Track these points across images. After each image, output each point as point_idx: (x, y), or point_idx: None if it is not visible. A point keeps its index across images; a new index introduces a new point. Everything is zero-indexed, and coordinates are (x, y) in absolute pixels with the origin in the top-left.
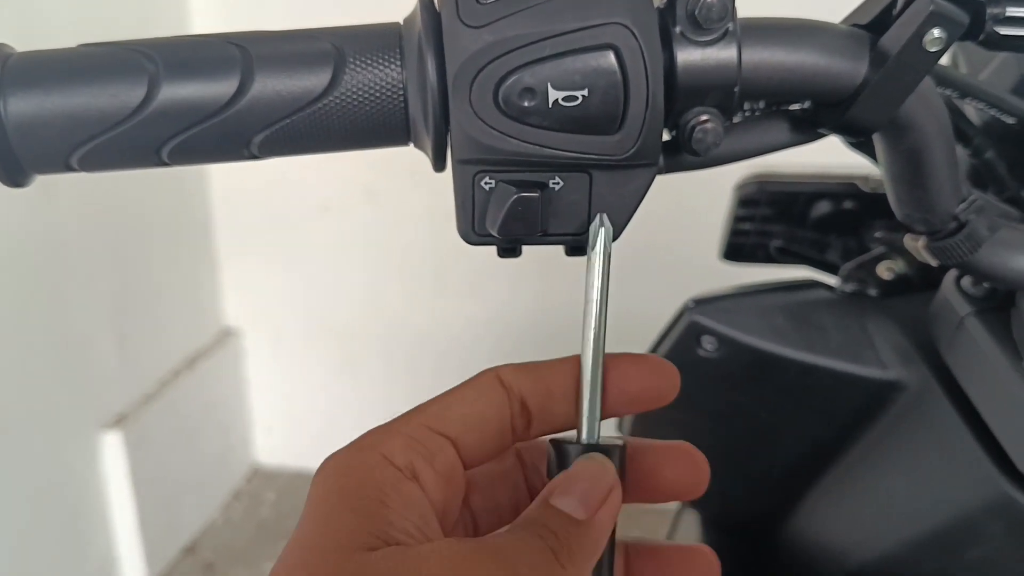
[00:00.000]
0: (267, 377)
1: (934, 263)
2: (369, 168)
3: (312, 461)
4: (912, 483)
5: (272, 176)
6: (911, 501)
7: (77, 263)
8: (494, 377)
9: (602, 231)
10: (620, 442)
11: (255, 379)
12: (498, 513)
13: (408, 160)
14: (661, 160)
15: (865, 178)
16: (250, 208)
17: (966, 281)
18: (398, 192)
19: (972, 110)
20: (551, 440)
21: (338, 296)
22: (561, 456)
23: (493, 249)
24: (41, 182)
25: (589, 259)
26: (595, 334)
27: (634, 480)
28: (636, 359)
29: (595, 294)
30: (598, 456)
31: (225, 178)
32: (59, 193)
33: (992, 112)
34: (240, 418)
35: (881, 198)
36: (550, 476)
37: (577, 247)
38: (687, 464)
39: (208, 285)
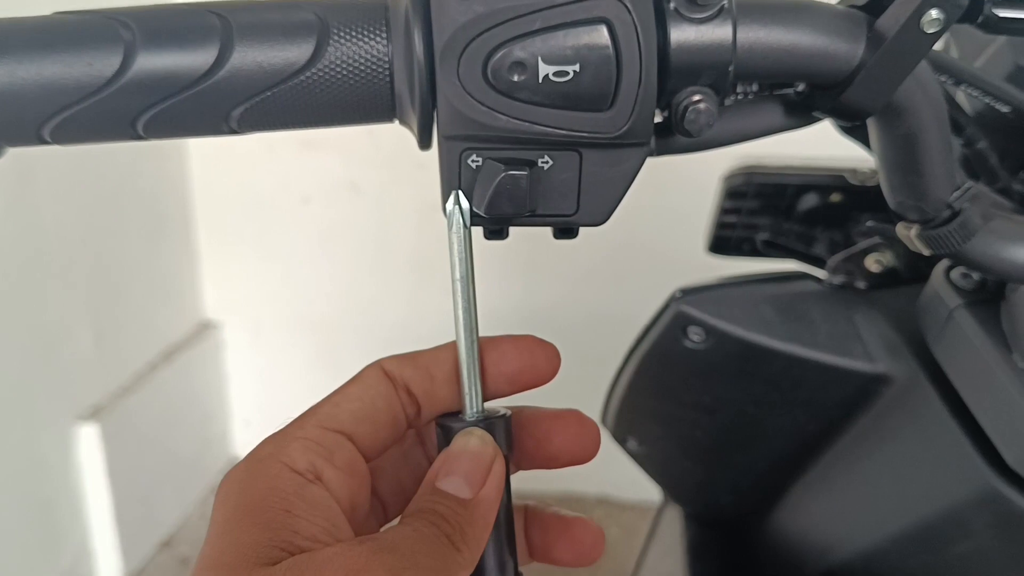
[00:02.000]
0: (246, 370)
1: (926, 252)
2: (351, 160)
3: None
4: (898, 477)
5: (253, 167)
6: (897, 495)
7: (54, 252)
8: (378, 369)
9: (457, 209)
10: (505, 413)
11: (234, 372)
12: (404, 495)
13: (390, 152)
14: (653, 141)
15: (853, 171)
16: (231, 199)
17: (956, 273)
18: (380, 185)
19: (964, 99)
20: (436, 419)
21: (319, 289)
22: (445, 434)
23: (473, 241)
24: (18, 169)
25: (449, 239)
26: (465, 312)
27: (527, 448)
28: (514, 340)
29: (459, 272)
30: (476, 431)
31: (206, 168)
32: (36, 181)
33: (986, 100)
34: (218, 411)
35: (868, 191)
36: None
37: (566, 229)
38: (576, 430)
39: (187, 277)
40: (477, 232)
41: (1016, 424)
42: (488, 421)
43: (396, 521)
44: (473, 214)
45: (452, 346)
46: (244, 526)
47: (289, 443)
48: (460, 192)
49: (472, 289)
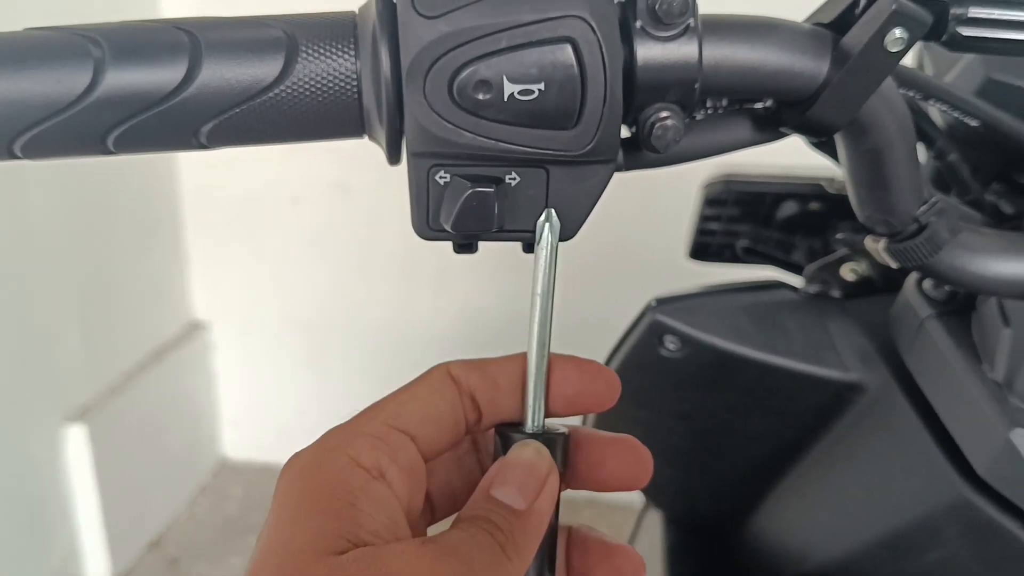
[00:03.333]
0: (235, 371)
1: (894, 265)
2: (339, 162)
3: (279, 455)
4: (871, 485)
5: (242, 168)
6: (870, 503)
7: (44, 253)
8: (445, 373)
9: (547, 227)
10: (563, 431)
11: (223, 372)
12: (453, 497)
13: (378, 154)
14: (620, 157)
15: (831, 179)
16: (220, 200)
17: (927, 284)
18: (368, 186)
19: (936, 112)
20: (496, 427)
21: (307, 290)
22: (503, 443)
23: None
24: (7, 169)
25: (536, 255)
26: (540, 327)
27: (580, 469)
28: (579, 363)
29: (540, 288)
30: (533, 443)
31: (195, 170)
32: (24, 181)
33: (956, 114)
34: (207, 412)
35: (846, 199)
36: (493, 462)
37: (533, 244)
38: (631, 458)
39: (176, 277)
40: (448, 243)
41: (984, 434)
42: (546, 436)
43: (444, 523)
44: (441, 229)
45: (520, 358)
46: (312, 513)
47: (356, 437)
48: (552, 210)
49: (551, 305)
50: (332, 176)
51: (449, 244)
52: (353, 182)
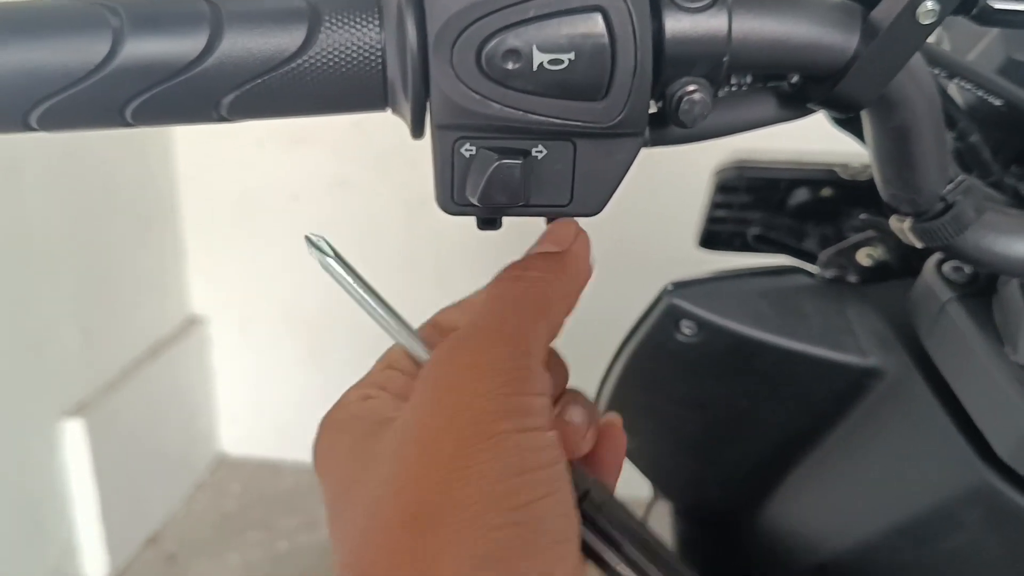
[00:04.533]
0: (233, 366)
1: (919, 245)
2: (339, 157)
3: (277, 452)
4: (890, 471)
5: (241, 163)
6: (888, 489)
7: (41, 247)
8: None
9: (315, 251)
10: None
11: (221, 368)
12: None
13: (379, 149)
14: (647, 132)
15: (844, 165)
16: (218, 195)
17: (948, 267)
18: (368, 181)
19: (956, 92)
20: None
21: (305, 285)
22: None
23: (463, 239)
24: (5, 164)
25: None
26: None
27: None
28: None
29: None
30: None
31: (193, 163)
32: (23, 176)
33: (979, 93)
34: (205, 407)
35: (859, 186)
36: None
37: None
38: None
39: (175, 272)
40: (469, 222)
41: (1008, 417)
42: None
43: None
44: (467, 203)
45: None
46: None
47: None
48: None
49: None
50: (332, 172)
51: (448, 241)
52: (353, 178)
